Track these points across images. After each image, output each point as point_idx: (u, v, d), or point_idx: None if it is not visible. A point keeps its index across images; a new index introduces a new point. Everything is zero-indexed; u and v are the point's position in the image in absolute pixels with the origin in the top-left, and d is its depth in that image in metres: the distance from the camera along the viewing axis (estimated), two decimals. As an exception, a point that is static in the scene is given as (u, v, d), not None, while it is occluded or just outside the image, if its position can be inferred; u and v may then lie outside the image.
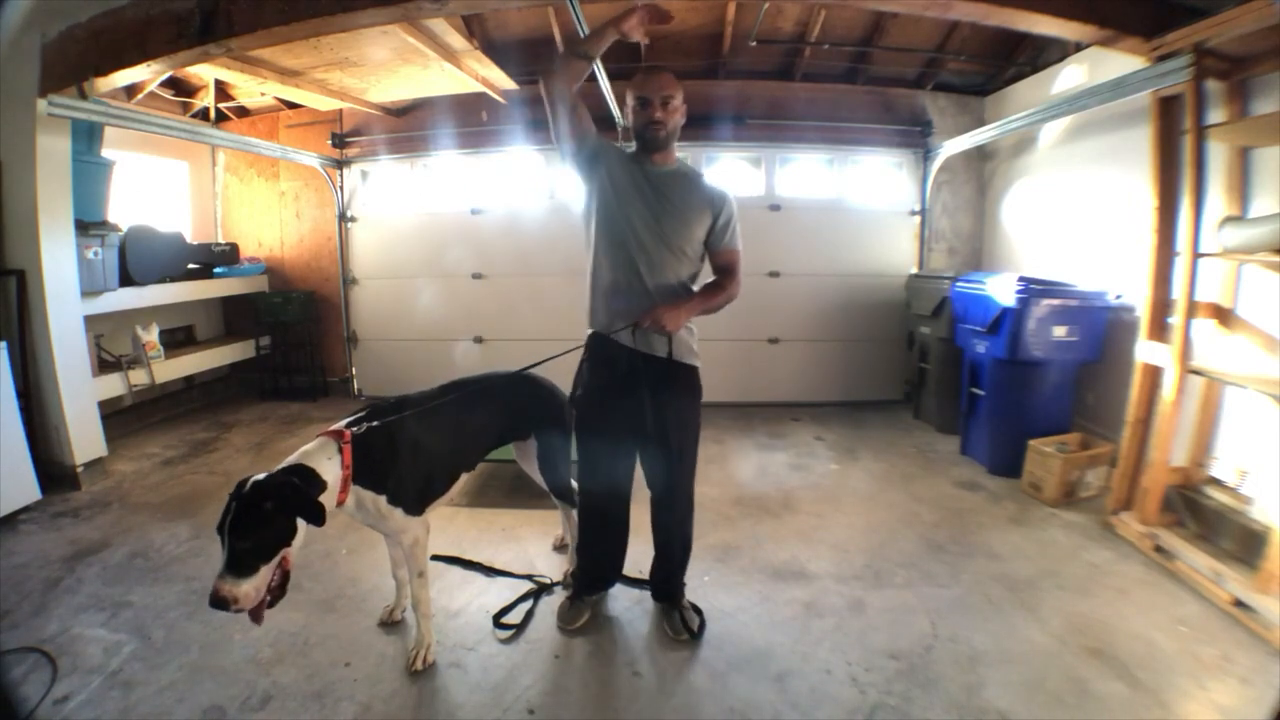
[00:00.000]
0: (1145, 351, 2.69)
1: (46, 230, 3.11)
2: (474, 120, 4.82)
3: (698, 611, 2.12)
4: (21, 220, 3.11)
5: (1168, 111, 2.61)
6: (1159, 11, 2.55)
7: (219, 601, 1.42)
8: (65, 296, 3.25)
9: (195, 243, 4.90)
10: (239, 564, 1.44)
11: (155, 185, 4.93)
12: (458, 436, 2.02)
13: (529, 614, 2.17)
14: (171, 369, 4.25)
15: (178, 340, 4.71)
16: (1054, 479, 3.01)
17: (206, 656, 1.96)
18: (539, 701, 1.78)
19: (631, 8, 1.78)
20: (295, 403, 5.02)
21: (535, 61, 4.52)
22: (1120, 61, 2.80)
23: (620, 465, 2.03)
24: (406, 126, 4.96)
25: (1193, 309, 2.51)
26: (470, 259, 4.92)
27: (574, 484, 2.36)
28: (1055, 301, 3.21)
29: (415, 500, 1.85)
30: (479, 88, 4.21)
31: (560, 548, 2.60)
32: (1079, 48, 3.67)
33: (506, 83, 4.34)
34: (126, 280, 3.87)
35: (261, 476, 1.52)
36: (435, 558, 2.42)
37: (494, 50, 4.13)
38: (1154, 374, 2.67)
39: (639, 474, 2.06)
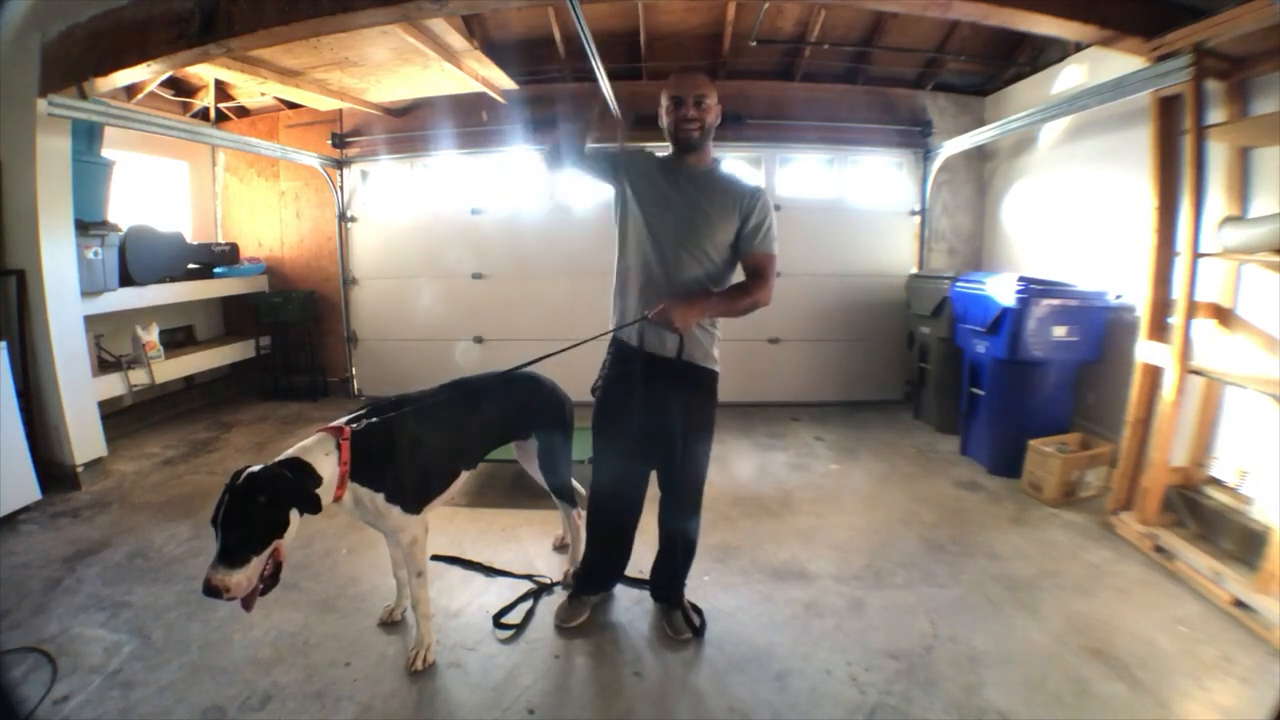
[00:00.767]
0: (1145, 351, 2.69)
1: (46, 230, 3.11)
2: (474, 120, 4.82)
3: (698, 611, 2.12)
4: (21, 220, 3.11)
5: (1168, 111, 2.61)
6: (1159, 11, 2.54)
7: (211, 590, 1.44)
8: (65, 296, 3.25)
9: (195, 243, 4.90)
10: (231, 554, 1.46)
11: (155, 185, 4.93)
12: (457, 436, 2.01)
13: (529, 614, 2.16)
14: (171, 369, 4.24)
15: (178, 340, 4.71)
16: (1054, 479, 3.01)
17: (206, 656, 1.96)
18: (539, 701, 1.78)
19: (593, 111, 1.88)
20: (295, 403, 5.01)
21: (535, 61, 4.53)
22: (1120, 61, 2.80)
23: (632, 467, 2.02)
24: (406, 126, 4.95)
25: (1193, 309, 2.51)
26: (470, 259, 4.92)
27: (574, 484, 2.36)
28: (1055, 301, 3.21)
29: (413, 499, 1.85)
30: (479, 88, 4.21)
31: (560, 548, 2.60)
32: (1079, 48, 3.67)
33: (506, 83, 4.34)
34: (126, 280, 3.86)
35: (256, 468, 1.54)
36: (435, 558, 2.42)
37: (494, 50, 4.13)
38: (1154, 374, 2.67)
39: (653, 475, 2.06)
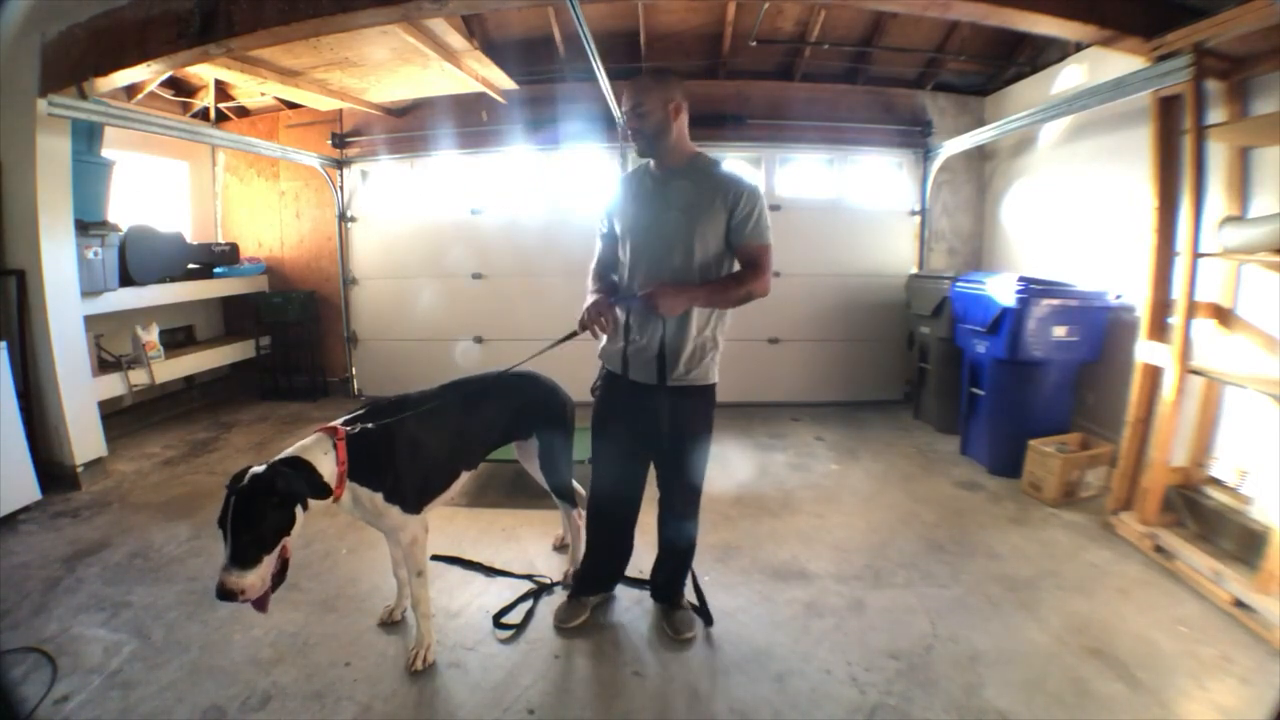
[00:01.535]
0: (1145, 351, 2.69)
1: (46, 230, 3.11)
2: (474, 120, 4.82)
3: (698, 612, 2.12)
4: (21, 220, 3.11)
5: (1168, 111, 2.61)
6: (1159, 11, 2.54)
7: (226, 593, 1.45)
8: (65, 296, 3.25)
9: (195, 243, 4.90)
10: (243, 556, 1.46)
11: (155, 185, 4.93)
12: (458, 435, 2.01)
13: (529, 614, 2.16)
14: (171, 369, 4.24)
15: (178, 340, 4.71)
16: (1054, 479, 3.01)
17: (206, 656, 1.96)
18: (539, 701, 1.78)
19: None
20: (295, 403, 5.01)
21: (535, 61, 4.53)
22: (1120, 61, 2.80)
23: (629, 470, 2.03)
24: (406, 126, 4.96)
25: (1193, 309, 2.51)
26: (470, 259, 4.92)
27: (575, 484, 2.36)
28: (1055, 301, 3.21)
29: (413, 498, 1.85)
30: (479, 88, 4.21)
31: (560, 548, 2.60)
32: (1079, 48, 3.68)
33: (506, 83, 4.34)
34: (126, 280, 3.87)
35: (260, 468, 1.54)
36: (435, 558, 2.42)
37: (494, 50, 4.13)
38: (1154, 374, 2.66)
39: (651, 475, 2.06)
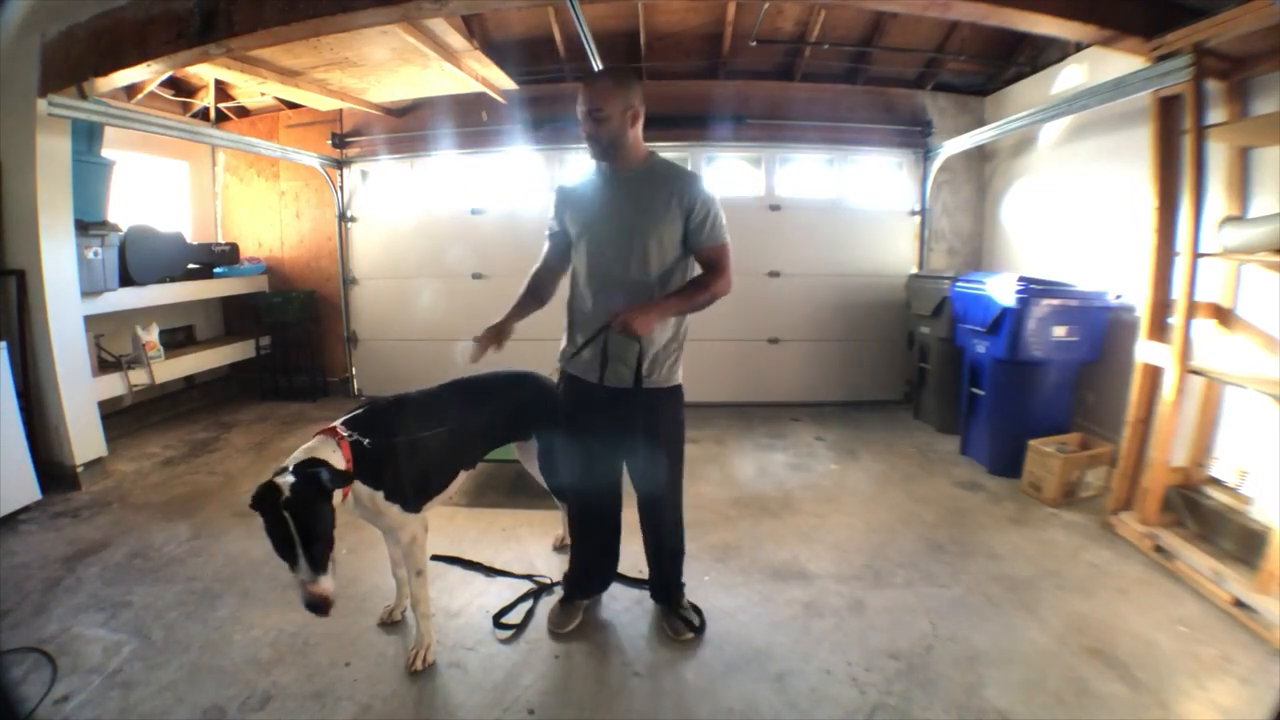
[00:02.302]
0: (1145, 351, 2.69)
1: (46, 230, 3.11)
2: (474, 120, 4.82)
3: (698, 612, 2.12)
4: (21, 220, 3.11)
5: (1168, 111, 2.60)
6: (1159, 11, 2.54)
7: (319, 604, 1.48)
8: (65, 296, 3.25)
9: (195, 243, 4.90)
10: (317, 563, 1.49)
11: (155, 185, 4.93)
12: (457, 435, 2.01)
13: (529, 614, 2.16)
14: (171, 369, 4.24)
15: (178, 340, 4.71)
16: (1054, 479, 3.01)
17: (206, 656, 1.96)
18: (539, 701, 1.78)
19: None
20: (295, 403, 5.02)
21: (535, 61, 4.53)
22: (1120, 61, 2.80)
23: (608, 472, 2.03)
24: (406, 126, 4.95)
25: (1193, 309, 2.51)
26: (470, 259, 4.92)
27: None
28: (1055, 301, 3.21)
29: (413, 497, 1.86)
30: (479, 88, 4.21)
31: (560, 548, 2.60)
32: (1079, 48, 3.67)
33: (506, 83, 4.34)
34: (126, 280, 3.87)
35: (289, 477, 1.53)
36: (435, 558, 2.42)
37: (494, 50, 4.13)
38: (1154, 374, 2.66)
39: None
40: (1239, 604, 2.09)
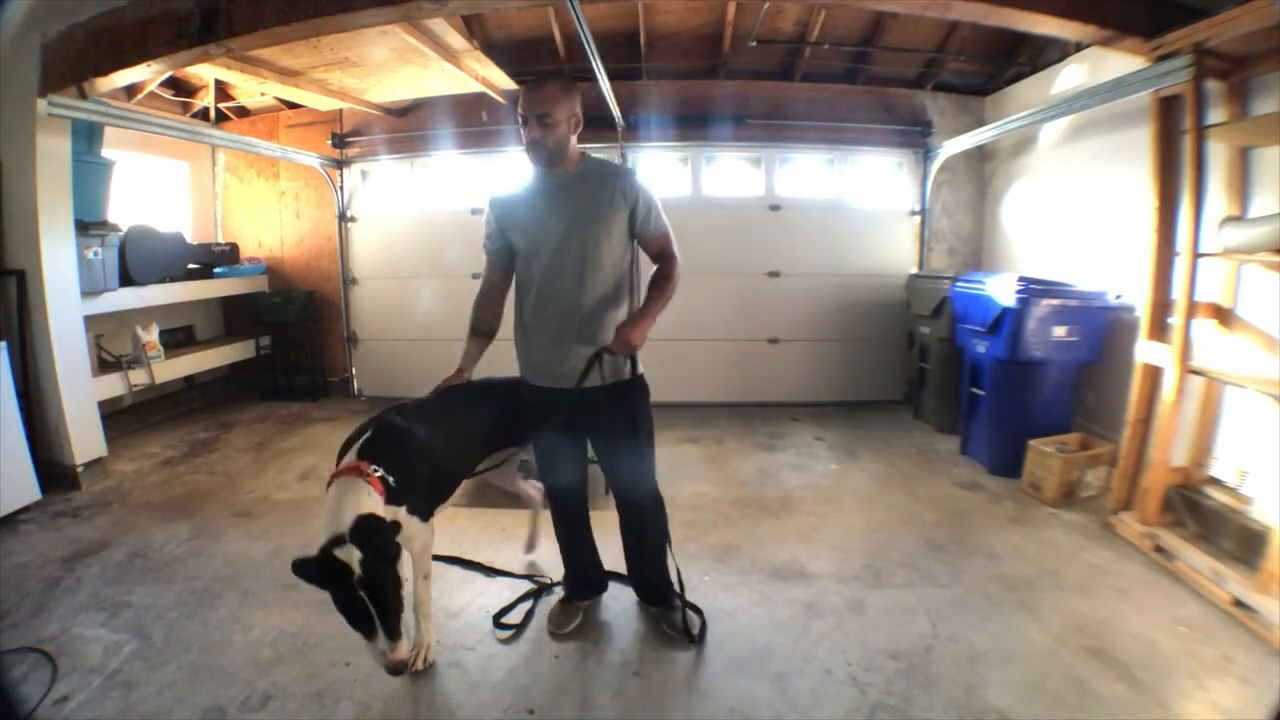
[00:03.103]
0: (1145, 351, 2.69)
1: (46, 230, 3.11)
2: (474, 120, 4.82)
3: (697, 611, 2.12)
4: (21, 220, 3.11)
5: (1168, 111, 2.60)
6: (1159, 11, 2.55)
7: (401, 668, 1.52)
8: (65, 296, 3.25)
9: (195, 243, 4.90)
10: (393, 629, 1.50)
11: (155, 185, 4.93)
12: (464, 443, 2.01)
13: (529, 614, 2.17)
14: (171, 369, 4.24)
15: (178, 340, 4.71)
16: (1054, 479, 3.01)
17: (206, 656, 1.96)
18: (539, 701, 1.78)
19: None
20: (295, 403, 5.02)
21: (536, 61, 4.53)
22: (1120, 61, 2.80)
23: (578, 468, 2.05)
24: (406, 126, 4.96)
25: (1193, 309, 2.50)
26: (470, 259, 4.87)
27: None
28: (1055, 301, 3.21)
29: (426, 507, 1.86)
30: (479, 88, 4.21)
31: (532, 550, 2.60)
32: (1079, 48, 3.67)
33: (506, 83, 4.34)
34: (126, 280, 3.87)
35: (360, 555, 1.47)
36: (435, 558, 2.39)
37: (494, 50, 4.13)
38: (1154, 374, 2.66)
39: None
40: (1239, 604, 2.09)
